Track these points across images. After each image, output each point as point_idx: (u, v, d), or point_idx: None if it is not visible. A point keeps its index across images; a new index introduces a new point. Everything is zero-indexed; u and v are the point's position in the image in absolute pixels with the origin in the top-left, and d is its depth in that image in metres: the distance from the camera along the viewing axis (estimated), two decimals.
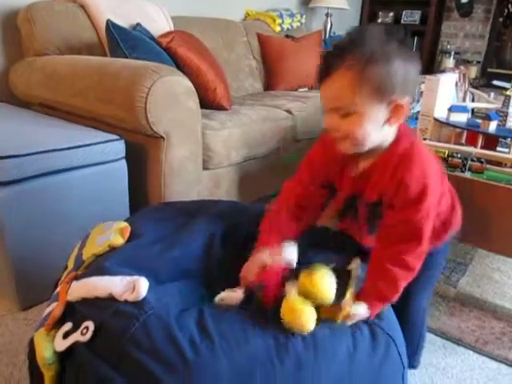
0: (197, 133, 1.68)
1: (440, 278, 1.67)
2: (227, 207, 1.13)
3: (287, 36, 3.14)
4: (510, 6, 3.84)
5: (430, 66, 4.28)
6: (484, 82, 3.98)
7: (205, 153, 1.75)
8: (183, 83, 1.59)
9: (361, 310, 0.81)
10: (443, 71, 2.02)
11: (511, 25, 3.91)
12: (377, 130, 0.81)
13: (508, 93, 1.74)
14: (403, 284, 0.86)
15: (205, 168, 1.78)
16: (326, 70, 0.78)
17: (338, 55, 0.77)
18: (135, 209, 1.60)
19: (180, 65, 1.98)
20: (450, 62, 4.13)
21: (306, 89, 2.89)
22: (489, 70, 4.22)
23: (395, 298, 0.86)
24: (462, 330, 1.41)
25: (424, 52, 4.32)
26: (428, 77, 1.69)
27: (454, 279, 1.68)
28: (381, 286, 0.85)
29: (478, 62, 4.20)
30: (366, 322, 0.84)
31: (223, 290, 0.83)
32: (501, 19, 3.96)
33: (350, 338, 0.81)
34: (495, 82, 3.40)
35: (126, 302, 0.71)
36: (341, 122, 0.80)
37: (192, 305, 0.82)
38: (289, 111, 2.20)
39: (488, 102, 2.26)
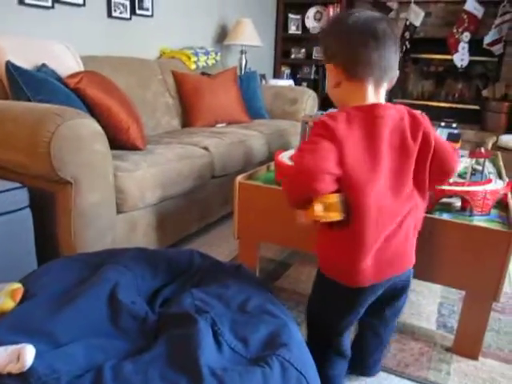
0: (108, 176, 1.62)
1: None
2: (135, 255, 1.09)
3: (203, 73, 3.19)
4: (406, 43, 4.19)
5: None
6: None
7: (118, 196, 1.69)
8: (90, 126, 1.54)
9: None
10: None
11: (410, 60, 4.26)
12: (331, 88, 1.02)
13: None
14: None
15: (119, 212, 1.72)
16: None
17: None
18: (44, 262, 1.49)
19: (90, 106, 1.93)
20: None
21: (224, 124, 2.93)
22: (394, 100, 4.54)
23: None
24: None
25: None
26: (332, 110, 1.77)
27: None
28: None
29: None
30: (276, 357, 0.83)
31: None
32: (401, 54, 4.30)
33: (260, 376, 0.79)
34: None
35: (9, 374, 0.65)
36: None
37: (102, 360, 0.77)
38: (205, 148, 2.21)
39: None
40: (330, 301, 1.09)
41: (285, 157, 1.61)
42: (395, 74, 1.02)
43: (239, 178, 1.58)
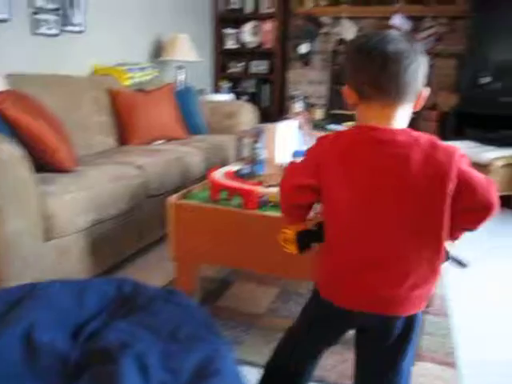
0: (32, 201, 1.53)
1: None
2: (59, 288, 1.03)
3: (139, 90, 3.12)
4: (340, 56, 4.32)
5: (282, 111, 4.59)
6: (330, 122, 4.37)
7: (45, 222, 1.60)
8: (10, 150, 1.45)
9: None
10: (288, 117, 2.15)
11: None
12: (351, 108, 1.01)
13: None
14: None
15: (47, 239, 1.63)
16: None
17: None
18: None
19: (12, 128, 1.82)
20: (298, 107, 4.47)
21: (162, 141, 2.87)
22: (332, 111, 4.66)
23: None
24: (324, 368, 1.44)
25: (275, 98, 4.63)
26: (267, 126, 1.79)
27: None
28: None
29: (323, 105, 4.62)
30: None
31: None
32: (336, 67, 4.43)
33: None
34: (329, 126, 3.75)
35: None
36: None
37: None
38: (140, 167, 2.15)
39: None
40: (307, 307, 1.11)
41: (218, 174, 1.60)
42: (415, 92, 0.94)
43: (172, 199, 1.54)
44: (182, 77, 3.80)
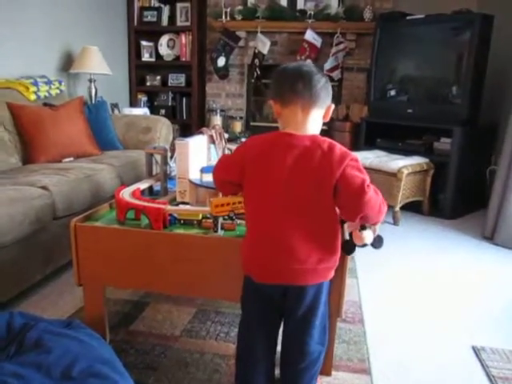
0: None
1: (216, 335, 1.68)
2: None
3: (45, 104, 2.94)
4: (257, 69, 4.39)
5: (201, 124, 4.56)
6: (249, 134, 4.41)
7: None
8: None
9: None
10: (201, 132, 2.12)
11: (262, 85, 4.46)
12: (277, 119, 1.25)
13: None
14: None
15: None
16: None
17: None
18: None
19: None
20: (217, 119, 4.47)
21: (71, 158, 2.72)
22: (252, 123, 4.71)
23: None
24: None
25: (193, 111, 4.59)
26: (178, 141, 1.74)
27: (232, 334, 1.70)
28: None
29: (241, 118, 4.66)
30: None
31: None
32: (252, 80, 4.48)
33: None
34: (245, 139, 3.77)
35: None
36: None
37: None
38: (45, 187, 2.01)
39: None
40: (242, 291, 1.28)
41: (125, 193, 1.53)
42: (324, 103, 1.20)
43: (75, 221, 1.45)
44: (93, 90, 3.64)
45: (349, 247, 1.27)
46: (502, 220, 2.83)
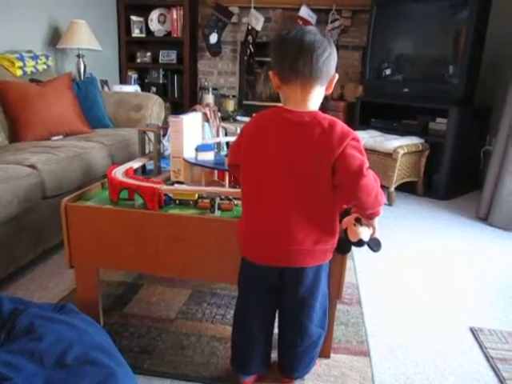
0: None
1: (212, 318, 1.64)
2: None
3: (32, 80, 2.83)
4: (250, 47, 4.29)
5: (193, 102, 4.47)
6: (242, 113, 4.34)
7: None
8: None
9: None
10: (194, 110, 2.05)
11: (255, 62, 4.37)
12: (277, 90, 1.18)
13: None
14: None
15: None
16: None
17: None
18: None
19: None
20: (209, 98, 4.38)
21: (61, 137, 2.64)
22: (244, 102, 4.62)
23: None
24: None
25: (185, 89, 4.49)
26: (172, 118, 1.67)
27: (229, 317, 1.67)
28: None
29: (234, 96, 4.57)
30: None
31: None
32: (246, 58, 4.38)
33: None
34: (240, 118, 3.72)
35: None
36: None
37: None
38: (33, 166, 1.94)
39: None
40: (239, 273, 1.25)
41: (118, 172, 1.47)
42: (326, 77, 1.11)
43: (66, 200, 1.39)
44: (81, 66, 3.52)
45: (344, 245, 1.21)
46: (496, 201, 2.81)
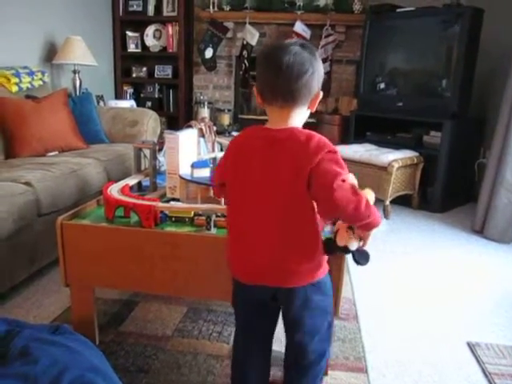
0: None
1: (209, 335, 1.63)
2: None
3: (27, 96, 2.84)
4: (246, 61, 4.32)
5: (189, 116, 4.49)
6: (238, 127, 4.35)
7: None
8: None
9: None
10: (190, 125, 2.06)
11: (250, 77, 4.39)
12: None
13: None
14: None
15: None
16: None
17: None
18: None
19: None
20: (204, 112, 4.40)
21: (57, 152, 2.64)
22: (240, 116, 4.64)
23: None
24: None
25: (180, 103, 4.51)
26: (167, 134, 1.68)
27: (226, 334, 1.66)
28: None
29: (229, 110, 4.59)
30: None
31: None
32: (241, 72, 4.42)
33: None
34: (234, 133, 3.73)
35: None
36: None
37: None
38: (28, 183, 1.93)
39: None
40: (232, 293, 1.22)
41: (114, 190, 1.47)
42: (308, 97, 1.08)
43: (61, 218, 1.38)
44: (77, 82, 3.54)
45: (329, 245, 1.14)
46: (491, 213, 2.83)
